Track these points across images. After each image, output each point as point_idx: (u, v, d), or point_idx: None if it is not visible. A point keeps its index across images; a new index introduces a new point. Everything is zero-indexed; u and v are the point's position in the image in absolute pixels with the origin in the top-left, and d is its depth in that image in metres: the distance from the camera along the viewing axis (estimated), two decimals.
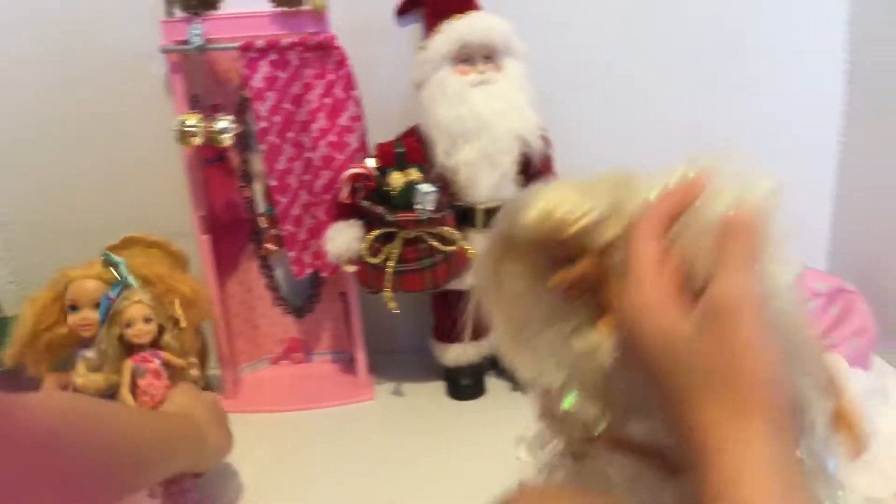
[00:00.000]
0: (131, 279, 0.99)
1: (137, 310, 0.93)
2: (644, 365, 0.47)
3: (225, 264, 1.21)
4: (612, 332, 0.54)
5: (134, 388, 0.92)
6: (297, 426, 1.12)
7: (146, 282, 1.01)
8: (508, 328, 0.61)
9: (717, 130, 1.22)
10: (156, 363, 0.94)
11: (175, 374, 0.96)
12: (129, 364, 0.93)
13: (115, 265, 0.99)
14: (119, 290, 0.96)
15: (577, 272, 0.55)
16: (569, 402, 0.57)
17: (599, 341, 0.55)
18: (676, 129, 1.17)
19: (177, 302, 1.01)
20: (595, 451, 0.61)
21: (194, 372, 0.98)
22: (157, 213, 1.19)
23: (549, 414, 0.61)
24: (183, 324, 1.00)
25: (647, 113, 1.27)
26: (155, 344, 0.95)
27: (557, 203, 0.53)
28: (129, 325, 0.93)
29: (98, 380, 0.94)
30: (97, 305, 0.98)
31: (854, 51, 1.27)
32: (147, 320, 0.94)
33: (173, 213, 1.18)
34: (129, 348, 0.94)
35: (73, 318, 1.00)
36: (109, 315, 0.94)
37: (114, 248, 1.11)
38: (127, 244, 1.12)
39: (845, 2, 1.25)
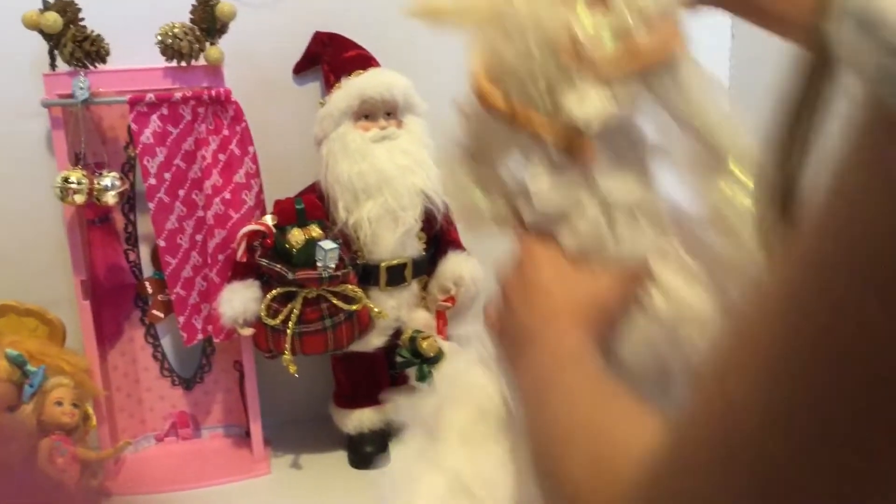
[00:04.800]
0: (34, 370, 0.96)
1: (67, 392, 0.96)
2: None
3: (107, 333, 1.13)
4: None
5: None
6: None
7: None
8: None
9: None
10: (73, 449, 0.95)
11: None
12: (47, 441, 0.94)
13: (21, 364, 0.95)
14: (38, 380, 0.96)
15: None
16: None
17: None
18: None
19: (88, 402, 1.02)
20: None
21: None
22: (33, 278, 1.11)
23: None
24: (93, 422, 1.02)
25: None
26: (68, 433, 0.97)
27: None
28: (59, 403, 0.95)
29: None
30: (10, 409, 0.94)
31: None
32: (74, 405, 0.96)
33: (50, 278, 1.10)
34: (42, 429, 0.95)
35: None
36: (36, 392, 0.95)
37: None
38: None
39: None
